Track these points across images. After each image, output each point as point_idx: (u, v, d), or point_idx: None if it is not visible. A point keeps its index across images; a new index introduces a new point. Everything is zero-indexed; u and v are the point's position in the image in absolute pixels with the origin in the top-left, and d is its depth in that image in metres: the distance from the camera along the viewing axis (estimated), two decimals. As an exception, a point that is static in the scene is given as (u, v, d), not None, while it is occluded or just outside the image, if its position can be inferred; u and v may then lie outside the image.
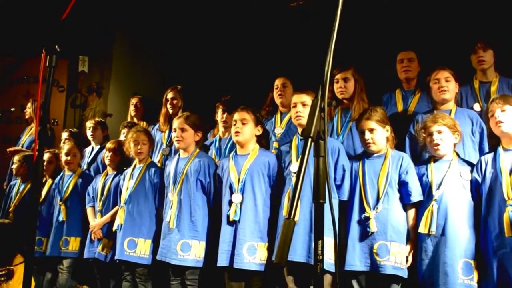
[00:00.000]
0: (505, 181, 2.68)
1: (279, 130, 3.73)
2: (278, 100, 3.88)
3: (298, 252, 2.85)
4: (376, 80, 3.87)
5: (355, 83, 3.44)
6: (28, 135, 5.44)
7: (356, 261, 2.88)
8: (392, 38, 4.43)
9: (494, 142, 2.89)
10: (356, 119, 3.21)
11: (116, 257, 3.56)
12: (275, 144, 3.62)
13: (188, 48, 5.88)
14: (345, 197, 3.03)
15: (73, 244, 4.00)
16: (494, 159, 2.79)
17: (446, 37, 4.22)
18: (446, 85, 3.28)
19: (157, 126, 4.47)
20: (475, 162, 2.95)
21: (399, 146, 3.22)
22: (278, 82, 3.89)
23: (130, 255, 3.51)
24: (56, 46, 1.98)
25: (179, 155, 3.56)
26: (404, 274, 2.84)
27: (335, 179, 3.04)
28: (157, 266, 3.45)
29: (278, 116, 3.84)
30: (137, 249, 3.51)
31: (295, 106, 3.14)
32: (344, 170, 3.04)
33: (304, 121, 3.06)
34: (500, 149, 2.79)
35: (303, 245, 2.86)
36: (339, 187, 3.04)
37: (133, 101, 4.95)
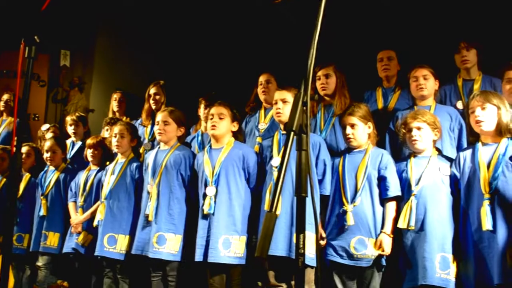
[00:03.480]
0: (483, 175, 2.71)
1: (262, 125, 3.73)
2: (262, 97, 3.87)
3: (279, 247, 2.86)
4: (357, 78, 3.92)
5: (337, 79, 3.47)
6: (3, 128, 5.31)
7: (335, 254, 2.92)
8: (375, 37, 4.48)
9: (473, 140, 2.90)
10: (339, 115, 3.24)
11: (96, 253, 3.51)
12: (258, 139, 3.62)
13: (172, 44, 5.86)
14: (326, 191, 3.05)
15: (52, 239, 3.90)
16: (473, 154, 2.82)
17: (431, 36, 4.28)
18: (424, 83, 3.33)
19: (139, 121, 4.43)
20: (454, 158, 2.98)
21: (379, 142, 3.25)
22: (262, 79, 3.88)
23: (110, 251, 3.46)
24: (36, 37, 1.94)
25: (159, 147, 3.54)
26: (382, 263, 2.90)
27: (316, 174, 3.05)
28: (138, 262, 3.42)
29: (262, 111, 3.83)
30: (117, 245, 3.47)
31: (276, 103, 3.15)
32: (325, 165, 3.06)
33: (283, 118, 3.09)
34: (479, 144, 2.82)
35: (284, 239, 2.88)
36: (320, 182, 3.05)
37: (116, 96, 4.84)
